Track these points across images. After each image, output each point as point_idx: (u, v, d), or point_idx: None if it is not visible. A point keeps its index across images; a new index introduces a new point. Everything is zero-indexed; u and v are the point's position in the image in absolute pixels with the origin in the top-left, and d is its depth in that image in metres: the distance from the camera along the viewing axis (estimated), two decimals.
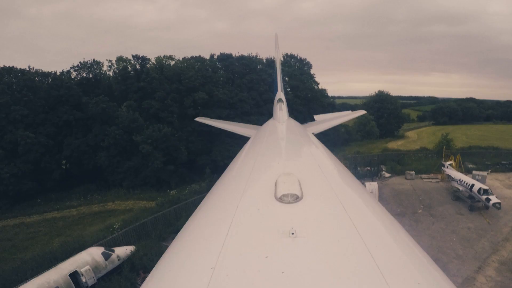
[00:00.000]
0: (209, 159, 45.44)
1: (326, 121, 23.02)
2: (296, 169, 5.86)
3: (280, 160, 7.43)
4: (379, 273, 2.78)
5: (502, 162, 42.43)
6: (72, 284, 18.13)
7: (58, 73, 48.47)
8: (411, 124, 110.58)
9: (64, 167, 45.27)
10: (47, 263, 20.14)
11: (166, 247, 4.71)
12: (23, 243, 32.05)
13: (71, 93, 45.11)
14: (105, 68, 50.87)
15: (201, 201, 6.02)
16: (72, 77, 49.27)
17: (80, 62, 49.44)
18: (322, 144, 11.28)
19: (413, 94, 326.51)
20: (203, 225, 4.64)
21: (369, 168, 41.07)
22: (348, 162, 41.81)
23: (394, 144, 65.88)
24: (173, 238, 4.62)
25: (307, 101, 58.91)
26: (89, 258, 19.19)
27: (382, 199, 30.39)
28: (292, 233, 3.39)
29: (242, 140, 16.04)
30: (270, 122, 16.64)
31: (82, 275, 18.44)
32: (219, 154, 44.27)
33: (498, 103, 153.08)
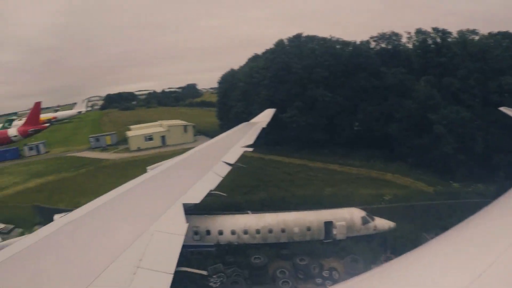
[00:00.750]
0: (507, 160, 38.86)
1: None
2: None
3: None
4: None
5: None
6: (323, 230, 20.63)
7: (358, 43, 52.41)
8: None
9: (355, 128, 50.22)
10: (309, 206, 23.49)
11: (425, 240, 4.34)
12: (300, 181, 38.02)
13: (370, 61, 48.20)
14: (404, 40, 50.90)
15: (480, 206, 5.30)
16: (371, 47, 52.10)
17: (378, 33, 51.38)
18: None
19: None
20: None
21: None
22: None
23: None
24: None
25: None
26: (348, 216, 20.97)
27: None
28: None
29: None
30: None
31: (335, 227, 20.44)
32: None
33: None
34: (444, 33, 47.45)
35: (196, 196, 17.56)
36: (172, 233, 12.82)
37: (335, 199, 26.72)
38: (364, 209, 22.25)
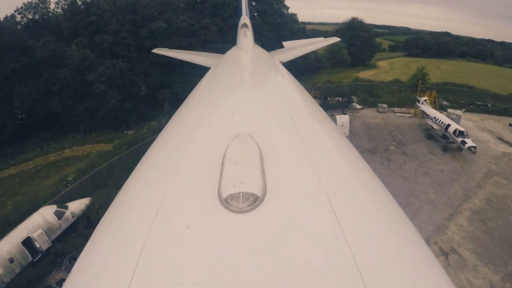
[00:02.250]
0: (169, 93, 42.37)
1: (295, 48, 20.87)
2: (256, 121, 4.74)
3: (238, 102, 6.07)
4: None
5: (477, 102, 41.38)
6: (26, 251, 16.58)
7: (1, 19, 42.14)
8: (382, 53, 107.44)
9: (19, 118, 40.96)
10: (1, 231, 18.15)
11: None
12: None
13: (16, 38, 39.08)
14: (52, 6, 44.38)
15: None
16: (18, 21, 43.37)
17: (24, 4, 43.04)
18: (290, 75, 10.09)
19: (386, 23, 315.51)
20: (138, 192, 3.79)
21: (339, 98, 39.55)
22: (318, 92, 40.48)
23: (365, 74, 63.99)
24: None
25: (276, 26, 54.61)
26: (41, 220, 17.50)
27: (353, 133, 29.48)
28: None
29: (205, 70, 14.06)
30: (233, 51, 14.89)
31: (36, 240, 16.86)
32: (180, 86, 40.78)
33: (473, 40, 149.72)
34: None
35: None
36: None
37: (21, 209, 20.34)
38: (54, 202, 19.63)
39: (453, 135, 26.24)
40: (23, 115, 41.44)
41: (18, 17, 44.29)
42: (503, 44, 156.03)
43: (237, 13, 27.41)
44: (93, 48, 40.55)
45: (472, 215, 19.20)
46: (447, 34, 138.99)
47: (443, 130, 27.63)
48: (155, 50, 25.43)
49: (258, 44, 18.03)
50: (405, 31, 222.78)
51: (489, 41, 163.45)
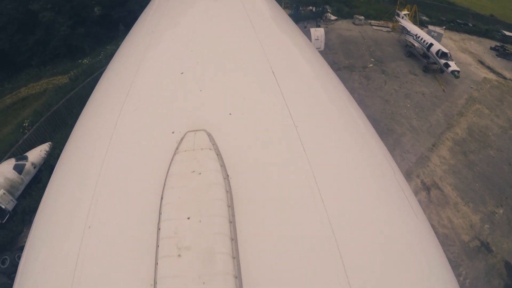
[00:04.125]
0: (125, 11, 37.56)
1: None
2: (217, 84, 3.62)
3: (192, 49, 4.37)
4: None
5: (458, 21, 38.18)
6: None
7: None
8: None
9: None
10: None
11: None
12: None
13: None
14: None
15: None
16: None
17: None
18: None
19: None
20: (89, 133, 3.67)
21: (312, 8, 36.09)
22: (289, 0, 36.83)
23: None
24: None
25: None
26: (1, 179, 16.03)
27: (328, 47, 27.23)
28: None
29: None
30: None
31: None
32: (136, 3, 35.44)
33: None
34: None
35: None
36: None
37: None
38: (12, 155, 17.89)
39: (435, 56, 24.62)
40: None
41: None
42: None
43: None
44: None
45: (454, 145, 19.13)
46: None
47: (425, 49, 25.88)
48: None
49: None
50: None
51: None
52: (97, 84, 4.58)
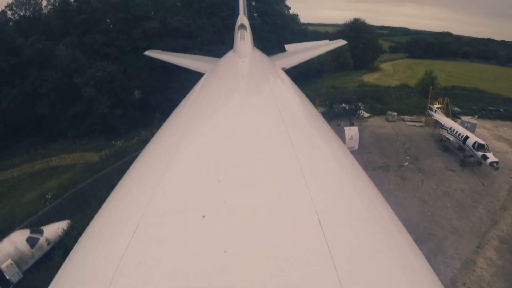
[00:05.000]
0: (163, 98, 39.92)
1: (299, 52, 18.94)
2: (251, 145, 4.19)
3: (231, 120, 5.23)
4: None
5: (489, 107, 38.35)
6: None
7: None
8: (383, 55, 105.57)
9: (7, 122, 38.52)
10: None
11: None
12: None
13: (4, 36, 36.84)
14: (44, 3, 42.19)
15: None
16: (9, 17, 41.51)
17: (15, 0, 40.70)
18: (292, 84, 9.21)
19: (385, 24, 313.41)
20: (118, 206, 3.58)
21: (345, 106, 36.64)
22: (323, 98, 38.20)
23: (370, 77, 61.39)
24: None
25: (277, 28, 52.16)
26: (11, 248, 15.22)
27: (362, 145, 26.96)
28: None
29: (201, 74, 12.64)
30: (229, 56, 13.12)
31: (5, 272, 14.75)
32: (174, 91, 37.81)
33: (474, 40, 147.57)
34: None
35: None
36: None
37: None
38: (30, 224, 17.34)
39: (472, 148, 23.68)
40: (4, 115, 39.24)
41: (9, 14, 42.32)
42: (503, 43, 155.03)
43: (235, 13, 25.54)
44: (84, 48, 38.31)
45: (500, 244, 17.00)
46: (448, 34, 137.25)
47: (461, 142, 25.07)
48: (146, 53, 23.39)
49: (258, 47, 16.36)
50: (405, 31, 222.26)
51: (489, 40, 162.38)
52: (128, 170, 4.53)
